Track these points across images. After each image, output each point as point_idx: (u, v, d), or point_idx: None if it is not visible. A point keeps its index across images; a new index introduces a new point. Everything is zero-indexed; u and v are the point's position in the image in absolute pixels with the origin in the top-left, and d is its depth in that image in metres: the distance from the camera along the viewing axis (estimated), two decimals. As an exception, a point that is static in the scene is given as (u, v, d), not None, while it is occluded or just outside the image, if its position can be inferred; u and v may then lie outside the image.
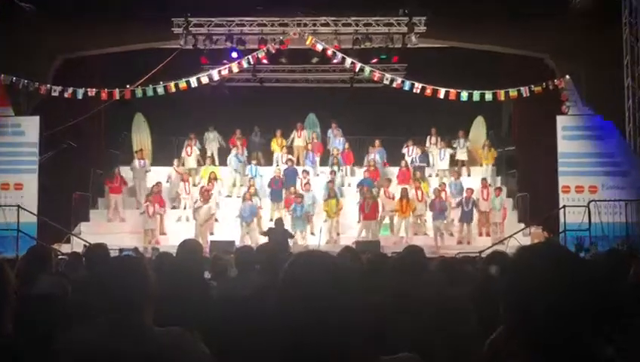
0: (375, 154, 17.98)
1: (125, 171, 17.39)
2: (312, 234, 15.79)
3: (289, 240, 13.31)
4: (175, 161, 17.49)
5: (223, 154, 18.21)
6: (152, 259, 5.96)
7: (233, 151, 17.57)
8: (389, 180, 16.79)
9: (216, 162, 18.30)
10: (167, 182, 17.18)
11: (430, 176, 18.35)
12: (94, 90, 15.38)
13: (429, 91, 15.22)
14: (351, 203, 16.67)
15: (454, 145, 18.28)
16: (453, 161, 18.16)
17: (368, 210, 15.56)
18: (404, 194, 15.84)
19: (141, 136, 19.24)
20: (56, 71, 15.93)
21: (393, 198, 15.98)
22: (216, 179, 17.03)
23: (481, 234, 16.17)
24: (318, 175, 18.17)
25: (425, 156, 18.16)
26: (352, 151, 18.51)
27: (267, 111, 18.54)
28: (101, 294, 2.27)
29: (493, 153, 18.06)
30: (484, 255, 9.66)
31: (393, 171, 18.04)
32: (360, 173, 17.68)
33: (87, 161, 16.90)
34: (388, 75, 15.76)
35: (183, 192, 16.85)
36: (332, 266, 1.61)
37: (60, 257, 7.11)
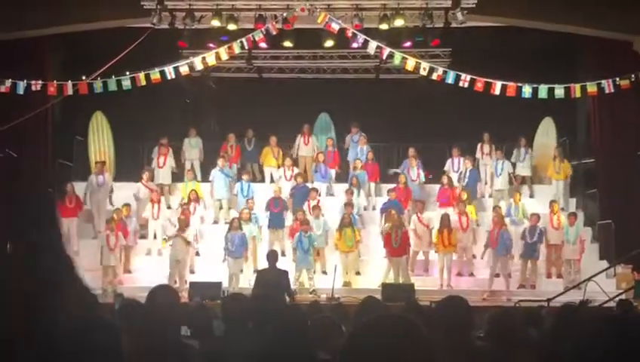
0: (407, 168, 18.09)
1: (80, 188, 17.50)
2: (324, 273, 15.87)
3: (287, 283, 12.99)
4: (144, 174, 17.57)
5: (208, 167, 18.36)
6: (114, 310, 6.02)
7: (218, 164, 17.73)
8: (423, 203, 16.81)
9: (198, 177, 18.42)
10: (136, 200, 17.30)
11: (483, 196, 18.44)
12: (39, 82, 15.55)
13: (480, 85, 15.29)
14: (376, 233, 16.83)
15: (513, 158, 18.34)
16: (513, 177, 18.31)
17: (397, 244, 15.58)
18: (445, 221, 15.89)
19: (101, 143, 19.37)
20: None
21: (428, 227, 16.07)
22: (197, 199, 17.14)
23: (549, 276, 16.23)
24: (332, 195, 18.33)
25: (477, 171, 18.26)
26: (377, 163, 18.61)
27: (265, 110, 18.80)
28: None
29: (567, 166, 18.08)
30: (553, 304, 9.66)
31: (431, 190, 18.18)
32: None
33: (31, 175, 17.01)
34: (425, 64, 15.83)
35: (151, 217, 16.92)
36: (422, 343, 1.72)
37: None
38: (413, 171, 18.03)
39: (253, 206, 16.73)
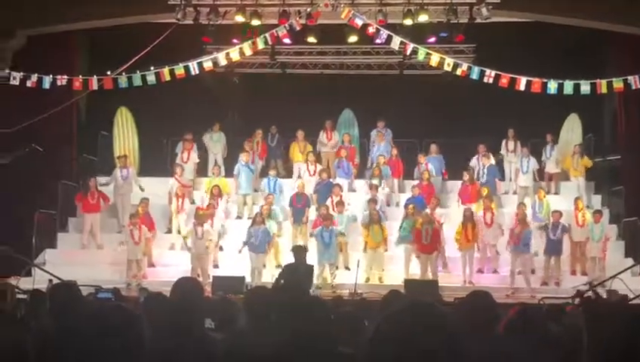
0: (428, 164, 18.14)
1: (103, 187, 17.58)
2: (347, 269, 15.90)
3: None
4: (177, 169, 17.72)
5: (232, 163, 18.49)
6: (138, 303, 6.10)
7: (241, 159, 17.79)
8: (437, 200, 16.86)
9: (222, 172, 18.50)
10: (174, 196, 17.27)
11: (506, 193, 18.39)
12: (65, 77, 15.68)
13: (504, 81, 15.18)
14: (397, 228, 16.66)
15: (543, 157, 18.27)
16: (539, 175, 18.24)
17: (427, 240, 15.52)
18: (469, 216, 15.85)
19: (125, 138, 19.44)
20: (15, 53, 16.24)
21: (439, 223, 16.07)
22: (220, 195, 17.21)
23: (574, 273, 16.12)
24: (354, 190, 18.39)
25: (495, 167, 18.15)
26: (401, 159, 18.65)
27: (289, 106, 18.89)
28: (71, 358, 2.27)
29: (586, 162, 18.00)
30: (577, 302, 9.62)
31: (452, 186, 18.21)
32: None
33: (55, 169, 17.20)
34: (449, 59, 15.76)
35: (175, 211, 17.11)
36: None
37: (18, 296, 6.83)
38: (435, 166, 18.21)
39: (273, 201, 16.74)
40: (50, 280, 10.36)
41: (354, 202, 17.37)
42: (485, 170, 17.82)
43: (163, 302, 4.93)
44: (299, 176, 18.36)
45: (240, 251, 15.52)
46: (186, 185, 17.61)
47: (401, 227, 16.13)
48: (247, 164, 17.80)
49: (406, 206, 16.66)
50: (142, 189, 17.26)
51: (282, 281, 12.03)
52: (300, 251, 13.08)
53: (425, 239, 15.43)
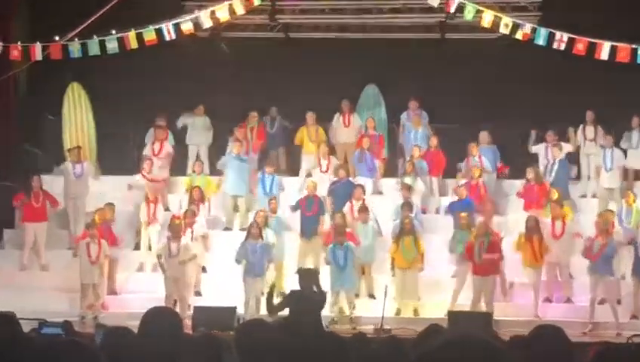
0: (480, 156, 18.02)
1: (51, 183, 17.60)
2: (372, 297, 15.94)
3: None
4: (146, 163, 17.70)
5: (218, 157, 18.36)
6: (94, 342, 6.06)
7: (231, 151, 17.79)
8: (492, 203, 16.72)
9: (206, 169, 18.46)
10: (144, 200, 17.20)
11: (584, 196, 18.31)
12: None
13: (581, 47, 15.11)
14: (440, 243, 16.67)
15: (623, 143, 18.13)
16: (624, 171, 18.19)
17: (482, 259, 15.35)
18: (534, 226, 15.78)
19: (78, 124, 19.27)
20: None
21: (498, 236, 16.03)
22: (203, 199, 17.15)
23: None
24: (381, 193, 18.25)
25: (563, 161, 17.97)
26: (442, 150, 18.47)
27: (293, 81, 18.93)
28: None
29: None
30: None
31: (510, 187, 18.19)
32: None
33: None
34: (507, 19, 15.69)
35: (145, 221, 17.11)
36: None
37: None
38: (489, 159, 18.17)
39: (277, 208, 16.77)
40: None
41: (380, 208, 17.30)
42: (555, 166, 17.76)
43: (128, 339, 4.87)
44: (308, 174, 18.26)
45: (245, 279, 15.39)
46: (157, 179, 17.66)
47: (454, 238, 16.08)
48: (238, 157, 17.69)
49: (453, 212, 16.61)
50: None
51: (286, 313, 12.09)
52: (308, 276, 12.91)
53: (478, 257, 15.35)
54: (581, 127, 18.48)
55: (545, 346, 3.91)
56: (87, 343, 2.86)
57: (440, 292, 16.15)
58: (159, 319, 4.61)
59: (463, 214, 16.21)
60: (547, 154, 18.11)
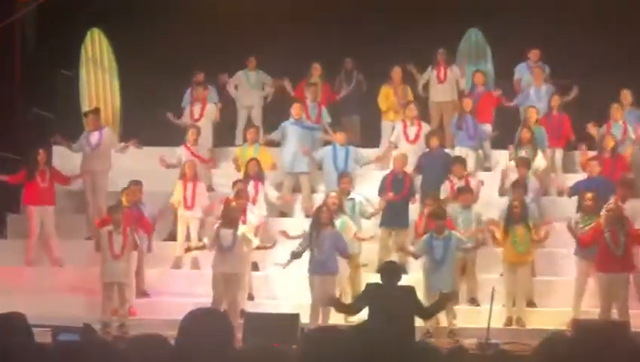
0: (624, 122, 17.21)
1: (65, 156, 17.38)
2: (473, 302, 15.25)
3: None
4: (191, 132, 17.13)
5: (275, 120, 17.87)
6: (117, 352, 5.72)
7: (292, 114, 17.30)
8: (632, 184, 15.93)
9: (261, 137, 17.71)
10: (180, 178, 16.53)
11: None
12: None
13: None
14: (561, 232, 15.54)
15: None
16: None
17: (620, 251, 14.16)
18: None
19: (99, 81, 18.83)
20: None
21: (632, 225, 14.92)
22: (261, 176, 16.34)
23: None
24: (489, 169, 17.88)
25: None
26: (566, 114, 17.57)
27: (371, 24, 18.41)
28: None
29: None
30: None
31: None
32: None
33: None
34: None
35: (182, 205, 16.31)
36: None
37: None
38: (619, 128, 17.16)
39: (350, 186, 15.75)
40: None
41: (487, 188, 16.42)
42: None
43: (163, 350, 4.83)
44: (394, 146, 17.31)
45: (284, 267, 14.76)
46: (204, 158, 17.04)
47: (578, 224, 14.92)
48: (300, 122, 17.01)
49: (579, 192, 15.46)
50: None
51: (367, 313, 11.90)
52: (392, 272, 12.44)
53: (615, 248, 14.24)
54: None
55: None
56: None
57: (563, 295, 15.21)
58: (204, 324, 4.63)
59: (589, 195, 14.95)
60: None
